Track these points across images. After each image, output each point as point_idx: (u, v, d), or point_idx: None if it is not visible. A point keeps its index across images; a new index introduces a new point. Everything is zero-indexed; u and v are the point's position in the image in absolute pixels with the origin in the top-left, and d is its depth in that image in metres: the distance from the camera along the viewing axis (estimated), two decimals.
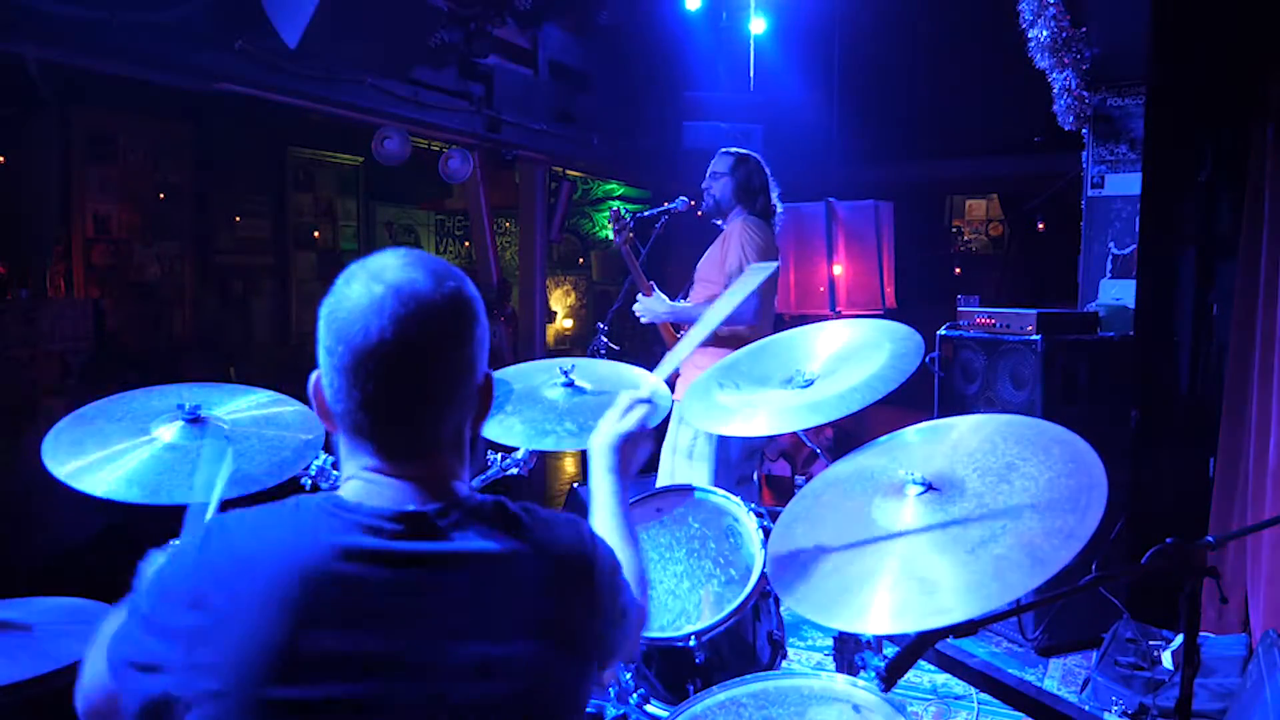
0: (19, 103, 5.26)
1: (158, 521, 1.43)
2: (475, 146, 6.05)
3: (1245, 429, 3.54)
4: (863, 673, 1.98)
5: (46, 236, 5.96)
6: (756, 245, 3.58)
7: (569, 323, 10.67)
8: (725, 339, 3.57)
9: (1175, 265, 3.86)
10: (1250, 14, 3.52)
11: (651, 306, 3.71)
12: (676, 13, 6.83)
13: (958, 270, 9.37)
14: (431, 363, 1.04)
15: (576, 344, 10.09)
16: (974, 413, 2.71)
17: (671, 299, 3.79)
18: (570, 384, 2.31)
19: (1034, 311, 3.82)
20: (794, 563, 1.68)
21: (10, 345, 5.10)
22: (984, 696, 3.35)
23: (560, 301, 10.65)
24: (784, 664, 2.17)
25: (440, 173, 5.98)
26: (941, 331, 4.16)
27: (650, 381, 1.70)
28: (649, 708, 2.02)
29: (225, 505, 1.27)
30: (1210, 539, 1.43)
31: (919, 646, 1.37)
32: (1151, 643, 3.43)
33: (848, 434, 5.32)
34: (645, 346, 5.27)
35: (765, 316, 3.71)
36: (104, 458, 1.73)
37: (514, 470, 2.34)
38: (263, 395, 1.99)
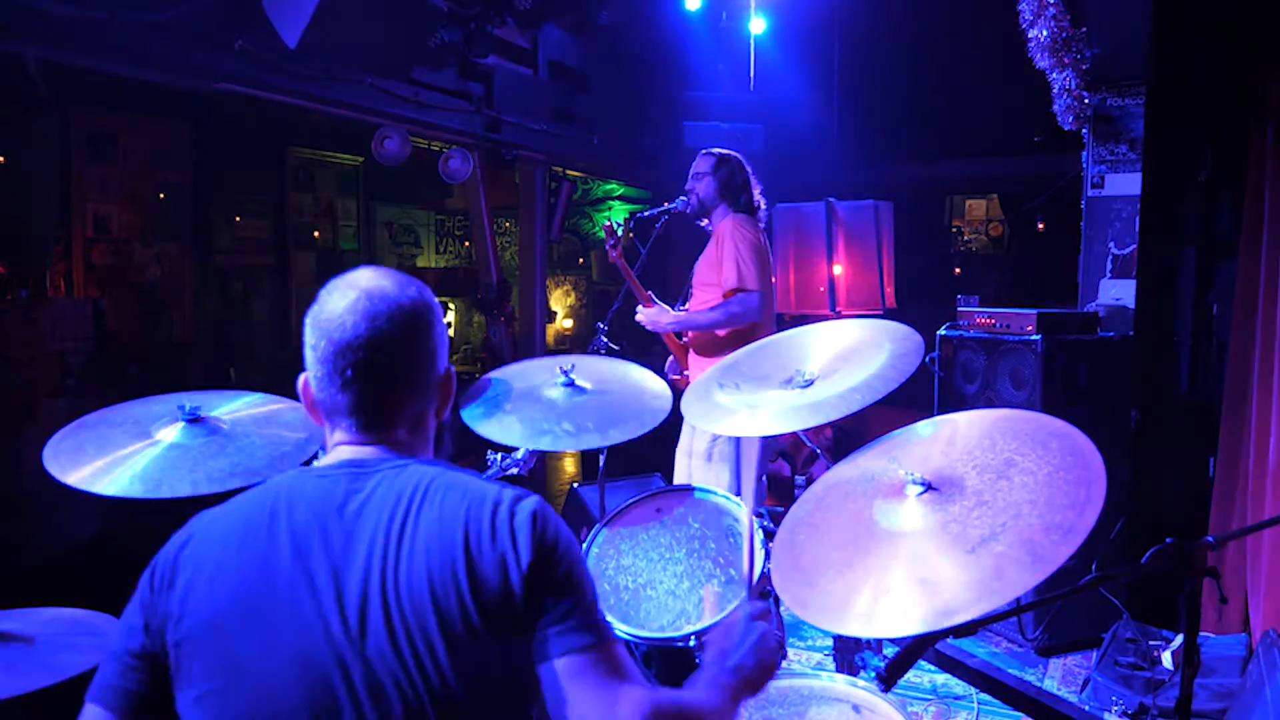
0: (19, 103, 5.27)
1: (158, 520, 1.43)
2: (475, 146, 6.05)
3: (1245, 429, 3.54)
4: (863, 673, 1.98)
5: (46, 236, 5.97)
6: (749, 241, 3.64)
7: (569, 323, 10.67)
8: (729, 336, 3.59)
9: (1175, 265, 3.85)
10: (1250, 14, 3.52)
11: (654, 316, 3.76)
12: (676, 13, 6.82)
13: (958, 270, 9.37)
14: (399, 350, 1.22)
15: (576, 344, 10.08)
16: None
17: (671, 302, 3.85)
18: (570, 384, 2.31)
19: (1034, 311, 3.83)
20: (797, 570, 1.68)
21: (10, 345, 5.10)
22: (984, 696, 3.35)
23: (560, 301, 10.65)
24: (784, 664, 2.17)
25: (440, 173, 5.97)
26: (941, 331, 4.17)
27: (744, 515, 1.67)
28: None
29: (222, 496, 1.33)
30: (1210, 539, 1.42)
31: (919, 646, 1.37)
32: (1151, 643, 3.43)
33: (848, 434, 5.32)
34: (645, 347, 5.26)
35: (768, 312, 3.73)
36: (109, 463, 1.74)
37: (514, 470, 2.34)
38: (257, 397, 2.01)
